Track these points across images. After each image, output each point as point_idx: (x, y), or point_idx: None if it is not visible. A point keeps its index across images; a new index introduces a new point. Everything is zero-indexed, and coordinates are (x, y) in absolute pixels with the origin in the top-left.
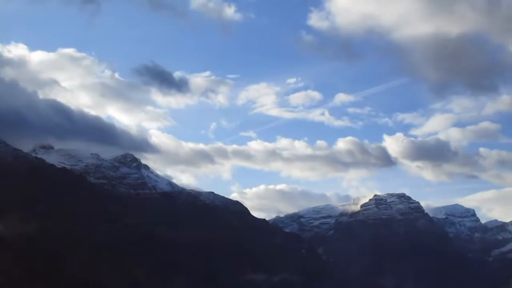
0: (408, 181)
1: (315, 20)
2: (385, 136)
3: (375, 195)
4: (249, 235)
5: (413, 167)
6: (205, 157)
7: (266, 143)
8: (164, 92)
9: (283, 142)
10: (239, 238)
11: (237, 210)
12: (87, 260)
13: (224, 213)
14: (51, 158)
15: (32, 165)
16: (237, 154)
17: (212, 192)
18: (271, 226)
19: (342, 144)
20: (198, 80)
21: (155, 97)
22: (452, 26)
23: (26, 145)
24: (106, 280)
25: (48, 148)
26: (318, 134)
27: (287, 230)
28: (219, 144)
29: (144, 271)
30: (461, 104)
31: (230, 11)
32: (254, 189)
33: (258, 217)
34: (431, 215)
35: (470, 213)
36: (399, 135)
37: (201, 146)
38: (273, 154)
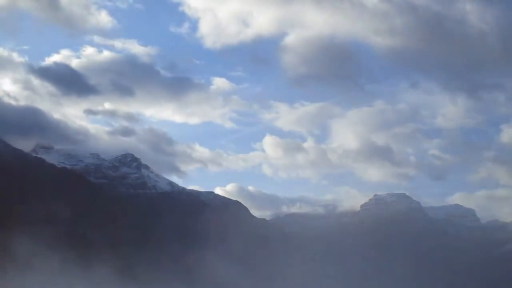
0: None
1: (183, 28)
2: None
3: (375, 195)
4: (248, 235)
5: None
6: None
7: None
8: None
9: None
10: (239, 237)
11: (237, 209)
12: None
13: (224, 213)
14: (51, 158)
15: (32, 165)
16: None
17: (212, 192)
18: (271, 226)
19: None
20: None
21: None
22: (340, 30)
23: (26, 145)
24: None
25: (48, 148)
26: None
27: (287, 230)
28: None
29: (143, 271)
30: (363, 110)
31: (101, 16)
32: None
33: (258, 217)
34: (431, 215)
35: (470, 213)
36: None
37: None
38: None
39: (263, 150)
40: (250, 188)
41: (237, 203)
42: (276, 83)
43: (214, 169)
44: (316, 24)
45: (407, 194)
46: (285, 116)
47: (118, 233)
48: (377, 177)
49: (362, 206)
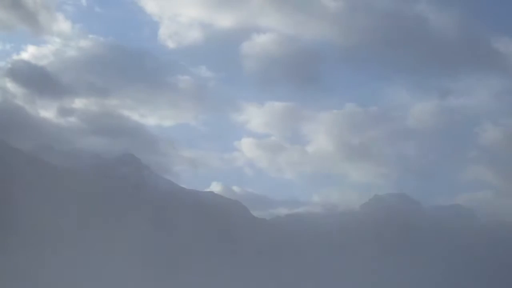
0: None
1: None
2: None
3: (375, 195)
4: (249, 235)
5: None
6: None
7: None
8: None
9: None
10: (239, 238)
11: (237, 209)
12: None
13: (223, 213)
14: (51, 158)
15: (32, 165)
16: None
17: (212, 192)
18: (271, 225)
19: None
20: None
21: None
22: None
23: (26, 145)
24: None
25: (48, 148)
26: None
27: (287, 230)
28: None
29: (143, 271)
30: (334, 112)
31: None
32: None
33: (258, 216)
34: (431, 215)
35: (470, 213)
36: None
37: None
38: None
39: (242, 152)
40: (235, 188)
41: (237, 203)
42: (243, 84)
43: (198, 170)
44: (279, 25)
45: (407, 194)
46: (256, 118)
47: (119, 233)
48: (363, 178)
49: (362, 206)
